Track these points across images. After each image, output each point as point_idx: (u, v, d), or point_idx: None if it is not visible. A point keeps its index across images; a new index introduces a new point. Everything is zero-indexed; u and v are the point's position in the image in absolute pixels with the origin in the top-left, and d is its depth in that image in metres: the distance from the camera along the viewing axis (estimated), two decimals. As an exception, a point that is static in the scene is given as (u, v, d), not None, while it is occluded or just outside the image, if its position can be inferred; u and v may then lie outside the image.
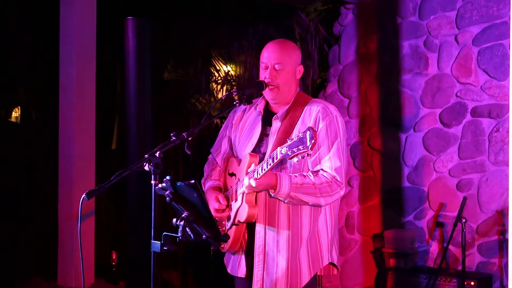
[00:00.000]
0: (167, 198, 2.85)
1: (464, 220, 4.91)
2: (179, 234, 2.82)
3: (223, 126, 3.69)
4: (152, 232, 2.83)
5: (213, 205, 3.35)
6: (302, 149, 2.81)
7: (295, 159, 2.88)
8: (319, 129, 3.21)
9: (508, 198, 5.18)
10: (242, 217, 3.22)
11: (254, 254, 3.29)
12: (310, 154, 2.84)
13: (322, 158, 3.21)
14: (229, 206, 3.37)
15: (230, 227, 3.32)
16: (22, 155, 7.71)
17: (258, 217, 3.25)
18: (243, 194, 3.21)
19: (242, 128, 3.51)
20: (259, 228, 3.27)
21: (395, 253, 5.45)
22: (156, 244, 2.81)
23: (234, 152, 3.55)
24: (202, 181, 3.60)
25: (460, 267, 5.08)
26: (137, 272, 5.23)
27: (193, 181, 2.80)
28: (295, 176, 3.15)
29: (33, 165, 7.74)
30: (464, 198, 5.09)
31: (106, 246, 7.02)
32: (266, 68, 3.31)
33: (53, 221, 6.32)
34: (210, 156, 3.72)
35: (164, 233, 2.81)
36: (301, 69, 3.40)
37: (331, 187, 3.17)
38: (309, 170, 3.25)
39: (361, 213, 6.05)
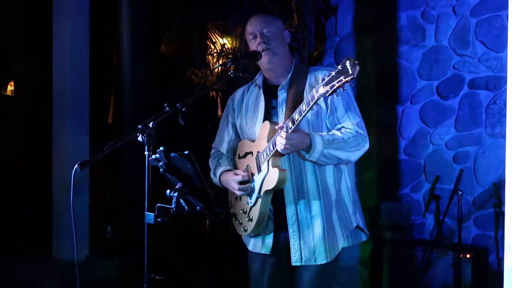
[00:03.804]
0: (161, 169, 2.83)
1: (460, 192, 4.90)
2: (173, 206, 2.80)
3: (223, 116, 3.64)
4: (146, 203, 2.80)
5: (235, 180, 3.30)
6: (345, 79, 2.69)
7: (335, 95, 2.76)
8: None
9: (504, 171, 5.17)
10: (271, 183, 3.14)
11: (288, 225, 3.25)
12: (352, 84, 2.73)
13: (341, 118, 3.20)
14: (251, 180, 3.29)
15: (255, 202, 3.25)
16: (16, 127, 7.68)
17: (286, 188, 3.20)
18: (268, 161, 3.14)
19: (246, 109, 3.47)
20: (288, 199, 3.23)
21: (391, 226, 5.45)
22: (149, 216, 2.79)
23: (241, 136, 3.51)
24: (211, 174, 3.54)
25: (456, 240, 5.08)
26: (131, 244, 5.23)
27: (187, 152, 2.77)
28: (323, 133, 3.13)
29: (27, 138, 7.72)
30: (461, 171, 5.08)
31: (101, 220, 7.02)
32: (255, 37, 3.29)
33: (47, 193, 6.31)
34: (212, 151, 3.67)
35: (158, 204, 2.78)
36: (287, 34, 3.40)
37: (357, 141, 3.16)
38: (328, 130, 3.22)
39: (357, 186, 6.02)
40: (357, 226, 3.37)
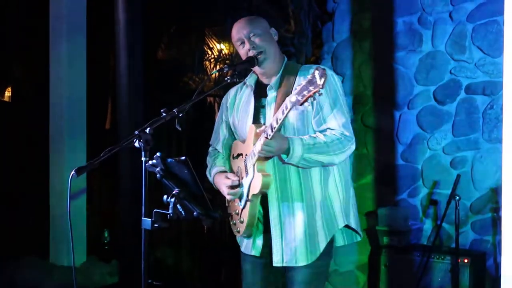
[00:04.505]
0: (158, 175, 2.83)
1: (458, 197, 4.89)
2: (170, 211, 2.80)
3: (218, 115, 3.68)
4: (143, 209, 2.81)
5: (225, 184, 3.32)
6: (313, 89, 2.73)
7: (305, 104, 2.79)
8: None
9: (501, 176, 5.17)
10: (256, 188, 3.16)
11: (271, 226, 3.25)
12: (322, 93, 2.76)
13: (327, 117, 3.19)
14: (240, 184, 3.32)
15: (244, 205, 3.26)
16: (13, 133, 7.68)
17: (270, 190, 3.21)
18: (254, 165, 3.16)
19: (238, 108, 3.49)
20: (272, 201, 3.23)
21: (388, 231, 5.44)
22: (146, 221, 2.79)
23: (235, 135, 3.53)
24: (207, 173, 3.57)
25: (453, 245, 5.07)
26: (129, 250, 5.23)
27: (183, 158, 2.77)
28: (305, 137, 3.12)
29: (24, 144, 7.72)
30: (458, 176, 5.07)
31: (99, 225, 7.01)
32: (243, 42, 3.31)
33: (44, 199, 6.31)
34: (210, 148, 3.70)
35: (155, 210, 2.79)
36: (274, 31, 3.40)
37: (342, 143, 3.14)
38: (314, 132, 3.22)
39: (354, 191, 6.02)
40: (348, 226, 3.34)
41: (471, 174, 5.37)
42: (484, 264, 5.22)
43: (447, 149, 5.50)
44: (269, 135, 2.98)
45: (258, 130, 3.12)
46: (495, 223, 5.24)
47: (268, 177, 3.15)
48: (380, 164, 5.93)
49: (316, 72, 2.73)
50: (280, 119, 2.93)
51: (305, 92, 2.76)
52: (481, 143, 5.34)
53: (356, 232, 3.38)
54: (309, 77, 2.76)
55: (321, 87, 2.71)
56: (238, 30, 3.32)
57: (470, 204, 5.36)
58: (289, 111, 2.88)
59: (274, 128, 2.96)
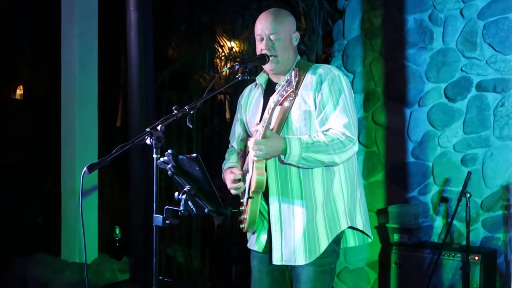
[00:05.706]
0: (169, 172, 2.84)
1: (468, 195, 4.89)
2: (181, 208, 2.81)
3: (236, 113, 3.69)
4: (154, 206, 2.82)
5: (229, 178, 3.34)
6: (289, 90, 2.83)
7: (285, 103, 2.91)
8: (321, 88, 3.18)
9: (512, 173, 5.17)
10: (252, 186, 3.16)
11: (271, 223, 3.27)
12: (297, 94, 2.90)
13: (329, 117, 3.16)
14: (245, 179, 3.33)
15: (247, 202, 3.26)
16: (26, 131, 7.72)
17: (271, 188, 3.23)
18: (253, 162, 3.16)
19: (250, 106, 3.51)
20: (273, 199, 3.24)
21: (399, 228, 5.44)
22: (158, 218, 2.80)
23: (248, 133, 3.54)
24: (222, 167, 3.59)
25: (464, 242, 5.07)
26: (140, 247, 5.24)
27: (194, 155, 2.79)
28: (304, 137, 3.11)
29: (36, 142, 7.76)
30: (469, 173, 5.07)
31: (110, 222, 7.04)
32: (262, 39, 3.29)
33: (56, 196, 6.34)
34: (229, 145, 3.72)
35: (166, 206, 2.80)
36: (297, 35, 3.38)
37: (343, 143, 3.09)
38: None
39: (365, 188, 6.03)
40: (354, 228, 3.34)
41: (482, 171, 5.36)
42: (494, 261, 5.21)
43: (458, 146, 5.50)
44: (260, 134, 3.01)
45: (253, 129, 3.14)
46: (506, 220, 5.23)
47: (262, 175, 3.14)
48: (390, 162, 5.92)
49: (293, 73, 2.81)
50: (266, 119, 2.97)
51: (283, 92, 2.86)
52: (492, 141, 5.33)
53: (365, 233, 3.38)
54: (287, 77, 2.85)
55: (294, 88, 2.81)
56: (262, 27, 3.28)
57: (481, 201, 5.35)
58: (272, 111, 2.96)
59: (263, 126, 2.99)
